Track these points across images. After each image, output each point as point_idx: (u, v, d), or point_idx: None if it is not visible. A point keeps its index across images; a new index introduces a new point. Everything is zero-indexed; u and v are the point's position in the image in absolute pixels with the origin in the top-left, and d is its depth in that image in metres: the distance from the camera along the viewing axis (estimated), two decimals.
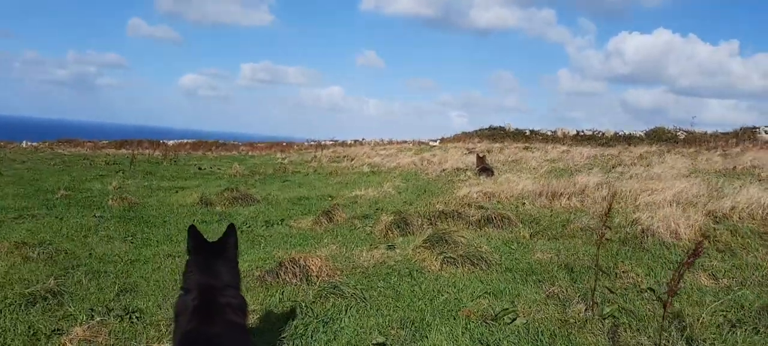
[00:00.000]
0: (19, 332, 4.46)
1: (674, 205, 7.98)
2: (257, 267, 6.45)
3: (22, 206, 11.13)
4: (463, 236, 6.84)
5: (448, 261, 6.00)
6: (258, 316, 4.89)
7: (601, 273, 4.96)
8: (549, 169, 15.70)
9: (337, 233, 8.51)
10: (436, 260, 6.14)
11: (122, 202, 11.79)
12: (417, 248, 6.75)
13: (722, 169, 13.98)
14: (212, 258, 3.27)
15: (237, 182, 16.61)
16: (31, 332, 4.47)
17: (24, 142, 41.21)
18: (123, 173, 19.25)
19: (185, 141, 46.51)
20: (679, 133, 33.06)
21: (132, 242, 8.27)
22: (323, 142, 41.89)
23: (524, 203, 9.94)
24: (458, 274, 5.86)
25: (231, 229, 3.40)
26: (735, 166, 14.31)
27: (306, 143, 43.56)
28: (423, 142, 37.27)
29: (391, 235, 8.03)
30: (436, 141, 36.66)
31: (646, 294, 5.06)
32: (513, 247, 7.03)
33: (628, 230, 7.26)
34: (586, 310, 4.56)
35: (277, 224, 9.55)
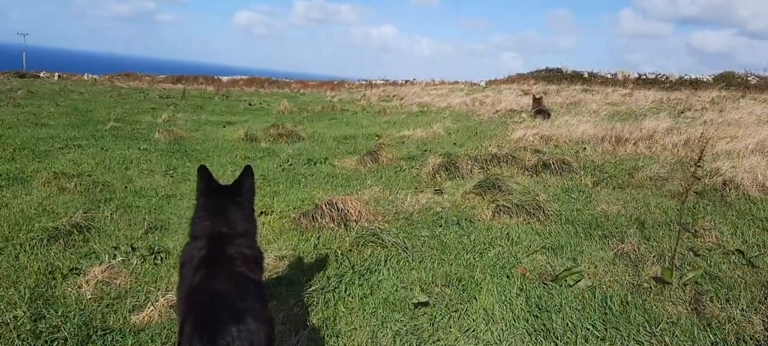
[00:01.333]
0: (34, 269, 4.17)
1: (758, 154, 7.10)
2: (294, 208, 6.03)
3: (71, 136, 11.09)
4: (517, 182, 6.23)
5: (500, 210, 5.41)
6: (288, 263, 4.46)
7: (680, 231, 4.28)
8: (610, 113, 14.68)
9: (382, 175, 8.01)
10: (487, 208, 5.55)
11: (169, 135, 11.61)
12: (466, 194, 6.18)
13: None
14: (225, 203, 2.79)
15: (284, 118, 16.28)
16: (49, 271, 4.17)
17: (86, 74, 42.18)
18: (174, 106, 19.24)
19: (239, 77, 46.74)
20: (750, 78, 30.93)
21: (172, 176, 8.01)
22: (374, 82, 41.26)
23: (585, 149, 9.16)
24: (512, 225, 5.25)
25: (247, 170, 2.91)
26: None
27: (357, 83, 43.02)
28: (474, 84, 36.15)
29: (439, 178, 7.47)
30: (482, 82, 35.36)
31: (733, 257, 4.36)
32: (573, 196, 6.35)
33: (706, 181, 6.45)
34: (662, 273, 3.92)
35: (321, 162, 9.11)
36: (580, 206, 5.93)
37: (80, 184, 7.04)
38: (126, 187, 7.12)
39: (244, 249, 2.65)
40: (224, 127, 13.92)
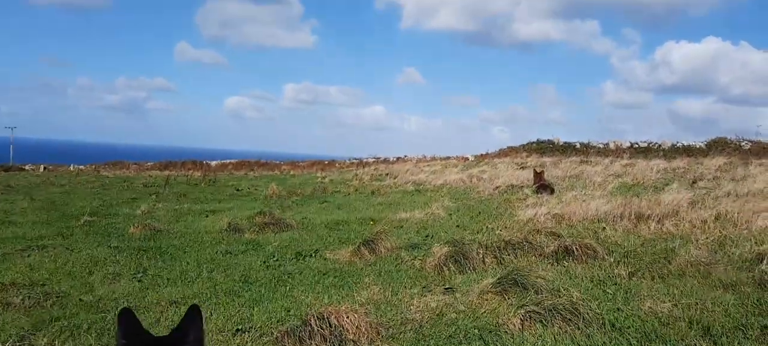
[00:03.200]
0: None
1: None
2: (277, 321, 5.01)
3: (37, 236, 10.09)
4: (542, 277, 5.26)
5: (531, 316, 4.41)
6: None
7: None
8: (618, 186, 13.87)
9: (381, 269, 7.01)
10: (513, 314, 4.54)
11: (144, 229, 10.61)
12: (484, 294, 5.19)
13: None
14: None
15: (272, 204, 15.34)
16: None
17: (71, 165, 41.38)
18: (156, 195, 18.31)
19: (228, 161, 46.05)
20: (743, 143, 30.57)
21: (139, 282, 6.97)
22: (365, 160, 40.67)
23: (604, 228, 8.25)
24: (547, 336, 4.25)
25: (193, 312, 1.95)
26: None
27: (347, 162, 42.43)
28: (466, 158, 35.52)
29: (447, 271, 6.48)
30: (471, 157, 34.47)
31: None
32: (609, 291, 5.37)
33: (764, 268, 5.51)
34: None
35: (310, 256, 8.11)
36: (621, 303, 4.94)
37: (30, 297, 6.01)
38: (81, 299, 6.07)
39: None
40: (207, 216, 12.94)
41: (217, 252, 8.63)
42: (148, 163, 45.59)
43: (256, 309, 5.42)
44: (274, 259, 7.93)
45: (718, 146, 30.64)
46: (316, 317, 4.28)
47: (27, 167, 37.78)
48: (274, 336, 4.50)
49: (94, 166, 42.12)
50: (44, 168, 37.99)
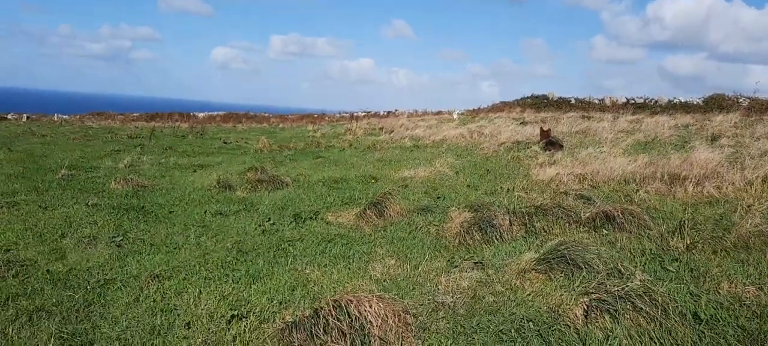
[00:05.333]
0: None
1: None
2: (280, 303, 4.16)
3: (9, 191, 9.13)
4: (594, 252, 4.44)
5: (596, 306, 3.59)
6: None
7: None
8: (632, 144, 13.06)
9: (393, 236, 6.17)
10: (573, 303, 3.72)
11: (127, 184, 9.71)
12: (525, 272, 4.37)
13: None
14: None
15: (264, 158, 14.42)
16: None
17: (55, 115, 39.93)
18: (141, 147, 17.28)
19: (216, 113, 44.80)
20: (741, 100, 29.98)
21: (119, 247, 6.09)
22: (356, 114, 39.66)
23: (637, 191, 7.44)
24: (618, 331, 3.43)
25: None
26: None
27: (338, 115, 41.38)
28: (462, 113, 34.55)
29: (471, 241, 5.65)
30: (455, 113, 33.09)
31: None
32: (671, 269, 4.56)
33: None
34: None
35: (311, 218, 7.25)
36: (694, 287, 4.13)
37: None
38: (49, 271, 5.18)
39: None
40: (195, 171, 11.99)
41: (206, 212, 7.75)
42: (134, 114, 44.19)
43: (253, 287, 4.57)
44: (270, 222, 7.06)
45: (715, 103, 29.98)
46: (332, 307, 3.42)
47: (9, 116, 36.32)
48: (279, 326, 3.64)
49: (78, 117, 40.71)
50: (27, 118, 36.55)
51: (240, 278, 4.81)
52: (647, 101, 33.78)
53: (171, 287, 4.67)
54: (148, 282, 4.83)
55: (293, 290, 4.44)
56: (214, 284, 4.68)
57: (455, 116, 29.34)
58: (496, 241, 5.54)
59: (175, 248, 5.97)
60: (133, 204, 8.29)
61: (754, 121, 17.34)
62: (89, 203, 8.21)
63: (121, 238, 6.44)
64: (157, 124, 30.23)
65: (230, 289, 4.54)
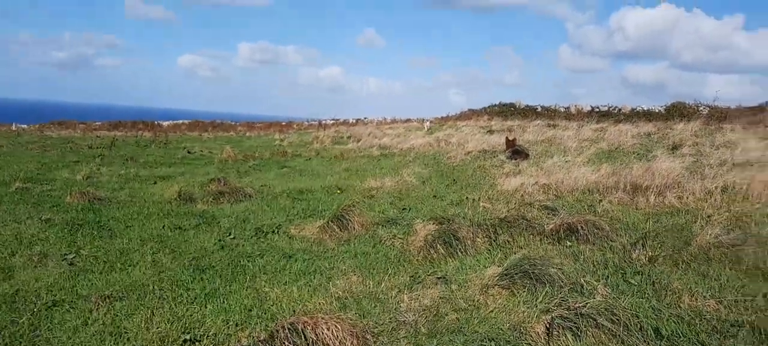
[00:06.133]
0: None
1: None
2: (237, 327, 4.00)
3: None
4: (557, 266, 4.40)
5: (559, 323, 3.53)
6: None
7: None
8: (596, 153, 13.18)
9: (356, 250, 6.05)
10: (535, 319, 3.66)
11: (83, 198, 9.36)
12: (488, 288, 4.30)
13: None
14: None
15: (228, 169, 14.17)
16: None
17: (13, 124, 38.71)
18: (101, 158, 16.82)
19: (181, 122, 44.06)
20: (701, 108, 30.70)
21: (71, 265, 5.84)
22: (324, 122, 39.46)
23: (601, 201, 7.47)
24: None
25: None
26: None
27: (306, 123, 41.10)
28: (430, 121, 34.63)
29: (435, 254, 5.57)
30: (427, 123, 32.78)
31: None
32: (634, 282, 4.54)
33: None
34: None
35: (273, 232, 7.09)
36: (654, 300, 4.11)
37: None
38: None
39: None
40: (155, 183, 11.70)
41: (164, 227, 7.52)
42: (96, 123, 43.13)
43: (209, 307, 4.40)
44: (231, 236, 6.88)
45: (676, 111, 30.62)
46: (287, 329, 3.29)
47: None
48: None
49: (38, 126, 39.55)
50: None
51: (195, 298, 4.64)
52: (611, 109, 34.38)
53: (122, 309, 4.47)
54: (99, 303, 4.62)
55: (250, 310, 4.29)
56: (168, 305, 4.50)
57: (426, 126, 29.16)
58: (460, 254, 5.47)
59: (129, 266, 5.75)
60: (88, 219, 8.00)
61: (714, 130, 17.71)
62: (43, 218, 7.90)
63: (74, 255, 6.18)
64: (120, 134, 29.62)
65: (185, 309, 4.36)
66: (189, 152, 19.58)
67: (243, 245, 6.46)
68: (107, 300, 4.66)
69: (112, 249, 6.41)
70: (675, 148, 12.73)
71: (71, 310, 4.54)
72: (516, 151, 13.76)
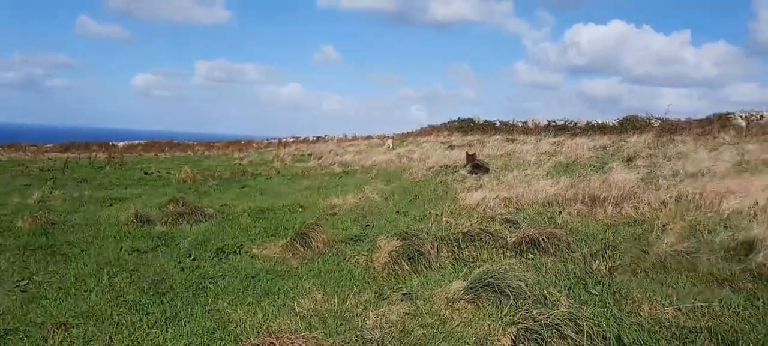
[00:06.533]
0: None
1: None
2: None
3: None
4: (521, 278, 4.45)
5: (524, 335, 3.56)
6: None
7: None
8: (554, 166, 13.44)
9: (320, 268, 6.00)
10: (500, 332, 3.68)
11: (35, 221, 9.04)
12: (454, 302, 4.31)
13: None
14: None
15: (186, 189, 13.91)
16: None
17: None
18: (54, 181, 16.29)
19: (137, 142, 43.12)
20: (653, 120, 31.61)
21: (24, 291, 5.63)
22: (284, 140, 39.17)
23: (560, 213, 7.60)
24: None
25: None
26: None
27: (265, 141, 40.74)
28: (390, 137, 34.75)
29: (400, 270, 5.56)
30: (390, 141, 32.64)
31: None
32: (595, 292, 4.62)
33: (761, 259, 4.93)
34: None
35: (235, 252, 6.98)
36: (617, 310, 4.19)
37: None
38: None
39: None
40: (111, 205, 11.39)
41: (121, 250, 7.31)
42: (48, 145, 41.83)
43: (170, 331, 4.28)
44: (191, 258, 6.73)
45: (629, 123, 31.49)
46: None
47: None
48: None
49: None
50: None
51: (156, 322, 4.51)
52: (567, 123, 35.14)
53: (78, 336, 4.32)
54: (54, 331, 4.46)
55: (213, 333, 4.20)
56: (127, 330, 4.36)
57: (390, 145, 29.07)
58: (424, 269, 5.49)
59: (85, 291, 5.56)
60: (41, 243, 7.74)
61: (666, 142, 18.27)
62: None
63: (27, 282, 5.96)
64: (73, 155, 28.73)
65: (145, 335, 4.24)
66: (146, 173, 19.14)
67: (204, 267, 6.33)
68: (63, 327, 4.50)
69: (67, 274, 6.20)
70: (630, 160, 13.08)
71: (25, 338, 4.37)
72: (476, 166, 13.93)
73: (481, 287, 4.32)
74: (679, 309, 4.10)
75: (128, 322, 4.55)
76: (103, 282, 5.81)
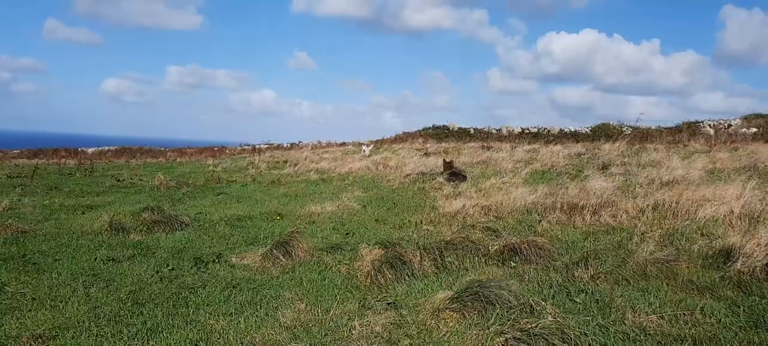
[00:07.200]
0: None
1: (761, 224, 5.86)
2: None
3: None
4: (505, 287, 4.45)
5: (514, 345, 3.56)
6: None
7: None
8: (531, 173, 13.57)
9: (302, 277, 5.94)
10: (488, 342, 3.68)
11: (5, 230, 8.80)
12: (440, 312, 4.30)
13: (745, 167, 11.86)
14: None
15: (160, 196, 13.67)
16: None
17: None
18: (22, 188, 15.89)
19: (107, 148, 42.35)
20: (625, 128, 32.17)
21: None
22: (258, 146, 38.88)
23: (540, 221, 7.66)
24: None
25: None
26: (755, 163, 12.20)
27: (239, 148, 40.39)
28: (362, 143, 34.71)
29: (383, 279, 5.53)
30: (366, 148, 32.44)
31: None
32: (579, 300, 4.65)
33: (740, 267, 5.02)
34: None
35: (213, 261, 6.87)
36: (602, 319, 4.22)
37: None
38: None
39: None
40: (83, 213, 11.14)
41: (96, 259, 7.15)
42: (15, 151, 40.86)
43: (152, 343, 4.19)
44: (169, 267, 6.61)
45: (602, 131, 32.00)
46: None
47: None
48: None
49: None
50: None
51: (136, 333, 4.41)
52: (541, 130, 35.58)
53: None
54: (30, 344, 4.32)
55: (196, 344, 4.11)
56: (107, 342, 4.25)
57: (367, 152, 28.88)
58: (408, 278, 5.47)
59: (61, 302, 5.41)
60: (12, 253, 7.51)
61: (638, 150, 18.57)
62: None
63: None
64: (41, 162, 28.11)
65: None
66: (118, 180, 18.79)
67: (183, 276, 6.21)
68: (39, 340, 4.37)
69: (41, 285, 6.03)
70: (605, 167, 13.26)
71: None
72: (454, 173, 13.98)
73: (467, 297, 4.32)
74: (662, 317, 4.15)
75: (108, 333, 4.43)
76: (79, 293, 5.66)
